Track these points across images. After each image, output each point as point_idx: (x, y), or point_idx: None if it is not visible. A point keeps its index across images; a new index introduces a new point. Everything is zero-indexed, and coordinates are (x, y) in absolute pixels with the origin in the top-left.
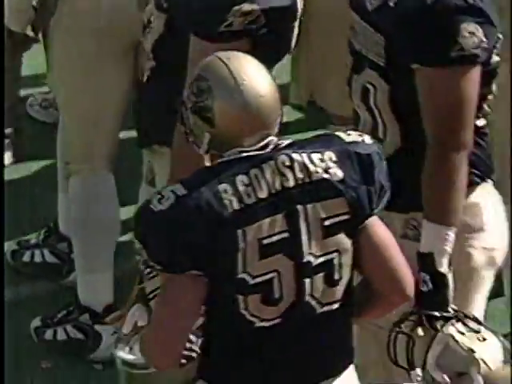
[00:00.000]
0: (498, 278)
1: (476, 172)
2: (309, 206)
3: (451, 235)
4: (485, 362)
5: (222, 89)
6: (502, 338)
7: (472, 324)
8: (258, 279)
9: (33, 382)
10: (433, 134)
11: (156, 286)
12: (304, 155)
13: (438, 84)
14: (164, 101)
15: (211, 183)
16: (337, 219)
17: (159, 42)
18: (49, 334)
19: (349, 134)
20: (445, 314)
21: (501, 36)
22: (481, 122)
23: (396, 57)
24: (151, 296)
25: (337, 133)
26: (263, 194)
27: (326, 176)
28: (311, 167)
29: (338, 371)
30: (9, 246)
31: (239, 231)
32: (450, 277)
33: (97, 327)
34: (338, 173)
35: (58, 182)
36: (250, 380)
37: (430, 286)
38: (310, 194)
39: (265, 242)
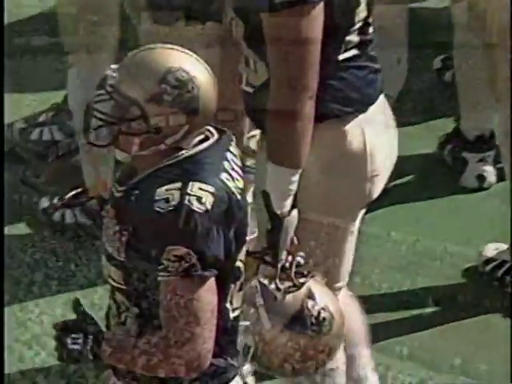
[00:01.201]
0: None
1: (335, 105)
2: None
3: (293, 178)
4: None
5: (202, 77)
6: None
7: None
8: (242, 264)
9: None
10: (273, 74)
11: None
12: None
13: (272, 27)
14: None
15: (215, 175)
16: None
17: None
18: (57, 216)
19: None
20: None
21: None
22: (344, 55)
23: None
24: None
25: None
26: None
27: None
28: None
29: None
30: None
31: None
32: (288, 220)
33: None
34: None
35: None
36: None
37: (268, 226)
38: None
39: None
